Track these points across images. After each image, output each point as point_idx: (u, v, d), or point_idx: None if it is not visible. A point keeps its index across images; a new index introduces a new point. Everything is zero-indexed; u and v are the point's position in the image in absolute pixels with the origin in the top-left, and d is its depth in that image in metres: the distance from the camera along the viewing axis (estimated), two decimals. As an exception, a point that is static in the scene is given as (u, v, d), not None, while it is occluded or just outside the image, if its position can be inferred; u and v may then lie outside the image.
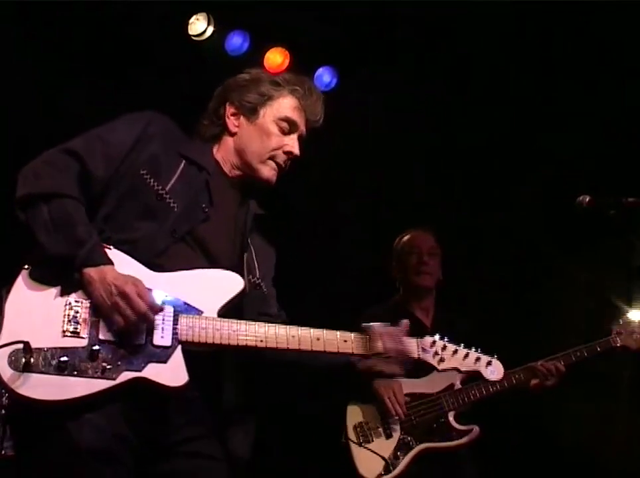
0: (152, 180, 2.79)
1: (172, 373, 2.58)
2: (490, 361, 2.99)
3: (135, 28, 5.44)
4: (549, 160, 6.21)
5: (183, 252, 2.79)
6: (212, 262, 2.84)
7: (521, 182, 6.29)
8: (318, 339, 2.80)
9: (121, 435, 2.55)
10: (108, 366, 2.51)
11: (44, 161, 2.72)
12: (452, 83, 6.18)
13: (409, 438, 4.44)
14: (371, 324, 2.89)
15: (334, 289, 6.06)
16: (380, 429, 4.45)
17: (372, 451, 4.38)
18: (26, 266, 2.61)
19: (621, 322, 4.60)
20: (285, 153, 3.02)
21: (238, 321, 2.73)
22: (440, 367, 2.93)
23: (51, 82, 5.46)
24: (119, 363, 2.53)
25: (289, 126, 3.03)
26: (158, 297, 2.65)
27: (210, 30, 5.76)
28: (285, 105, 3.04)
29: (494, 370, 2.99)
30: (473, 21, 5.84)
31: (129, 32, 5.45)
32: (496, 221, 6.28)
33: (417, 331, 4.57)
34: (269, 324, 2.78)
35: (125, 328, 2.54)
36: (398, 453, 4.40)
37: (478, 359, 2.97)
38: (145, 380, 2.54)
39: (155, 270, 2.71)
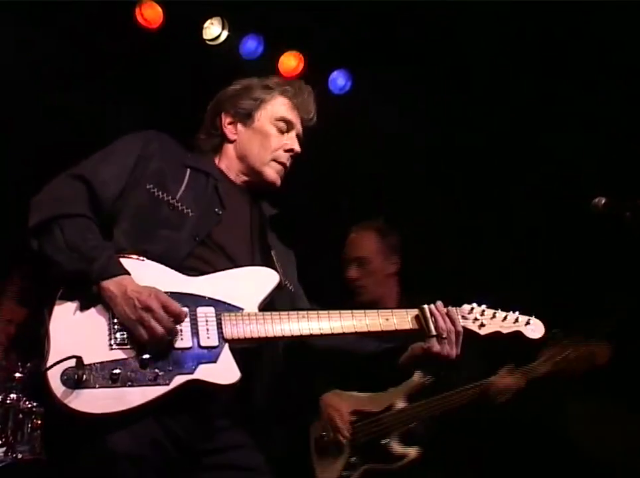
0: (160, 193, 2.82)
1: (223, 371, 2.60)
2: (529, 320, 2.98)
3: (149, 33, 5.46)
4: (549, 160, 6.21)
5: (206, 255, 2.81)
6: (233, 264, 2.86)
7: (521, 181, 6.29)
8: (387, 319, 2.84)
9: (157, 441, 2.55)
10: (160, 373, 2.53)
11: (52, 188, 2.76)
12: (452, 83, 6.18)
13: (354, 458, 4.37)
14: (424, 305, 2.88)
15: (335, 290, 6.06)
16: (335, 443, 4.41)
17: (328, 464, 4.38)
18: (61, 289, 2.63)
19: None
20: (286, 151, 3.07)
21: (279, 313, 2.76)
22: (482, 332, 2.92)
23: (60, 85, 5.48)
24: (170, 368, 2.55)
25: (285, 125, 3.09)
26: (195, 301, 2.68)
27: (225, 34, 5.81)
28: (279, 105, 3.11)
29: (534, 328, 2.98)
30: (473, 21, 5.84)
31: (146, 36, 5.45)
32: (496, 221, 6.27)
33: None
34: (320, 312, 2.81)
35: (151, 341, 2.55)
36: (345, 473, 4.36)
37: (517, 320, 2.97)
38: (198, 381, 2.56)
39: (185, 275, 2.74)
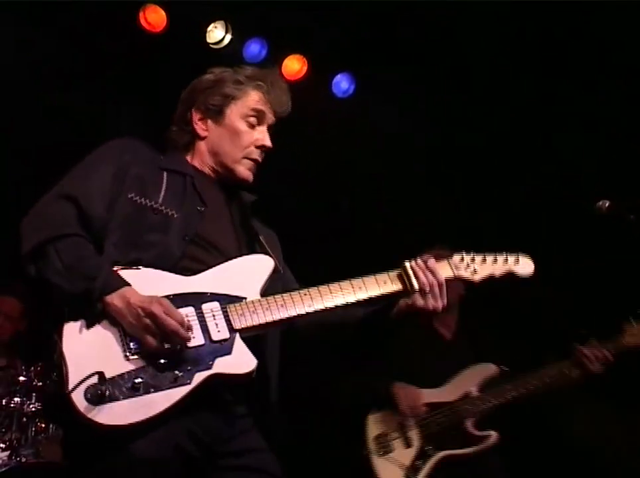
0: (143, 199, 2.81)
1: (240, 361, 2.63)
2: (518, 258, 3.01)
3: (152, 36, 5.45)
4: (549, 160, 6.22)
5: (198, 254, 2.81)
6: (223, 257, 2.85)
7: (521, 181, 6.29)
8: (360, 288, 2.83)
9: (179, 445, 2.56)
10: (180, 373, 2.55)
11: (41, 210, 2.74)
12: (452, 83, 6.18)
13: (428, 447, 4.44)
14: (405, 262, 2.88)
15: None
16: (400, 439, 4.46)
17: (393, 461, 4.39)
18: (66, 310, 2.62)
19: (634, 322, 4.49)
20: (258, 147, 3.05)
21: (281, 295, 2.78)
22: (477, 279, 2.94)
23: (60, 85, 5.45)
24: (189, 367, 2.57)
25: (256, 119, 3.06)
26: (199, 299, 2.69)
27: (228, 38, 5.81)
28: (250, 100, 3.07)
29: (524, 266, 3.01)
30: (473, 21, 5.84)
31: (146, 40, 5.44)
32: (496, 221, 6.28)
33: (438, 345, 4.74)
34: (310, 289, 2.81)
35: (159, 347, 2.55)
36: (418, 462, 4.40)
37: (506, 260, 3.00)
38: (218, 375, 2.59)
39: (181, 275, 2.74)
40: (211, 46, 5.77)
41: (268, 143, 3.06)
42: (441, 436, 4.46)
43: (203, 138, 3.07)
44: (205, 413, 2.64)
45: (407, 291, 2.87)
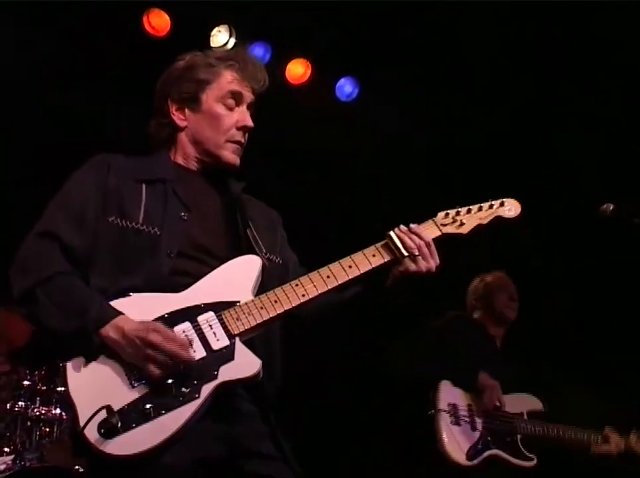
0: (123, 221, 2.75)
1: (244, 364, 2.62)
2: (503, 201, 2.99)
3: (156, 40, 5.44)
4: (549, 161, 6.24)
5: (187, 266, 2.76)
6: (217, 259, 2.81)
7: (521, 182, 6.29)
8: (350, 267, 2.79)
9: (198, 457, 2.56)
10: (187, 390, 2.54)
11: (24, 254, 2.71)
12: (452, 83, 6.19)
13: (489, 438, 4.66)
14: (389, 231, 2.83)
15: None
16: (468, 420, 4.65)
17: (458, 435, 4.58)
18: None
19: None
20: (239, 129, 2.96)
21: (273, 290, 2.75)
22: (465, 231, 2.89)
23: (61, 86, 5.42)
24: (195, 381, 2.56)
25: (234, 100, 2.97)
26: (193, 312, 2.67)
27: (232, 42, 5.78)
28: (224, 82, 2.98)
29: (510, 208, 2.99)
30: (473, 21, 5.85)
31: (150, 45, 5.43)
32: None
33: (491, 351, 5.01)
34: (301, 278, 2.78)
35: (163, 374, 2.53)
36: (480, 446, 4.62)
37: (491, 206, 2.97)
38: (225, 383, 2.58)
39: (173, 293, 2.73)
40: (215, 50, 5.73)
41: (249, 123, 2.97)
42: (499, 436, 4.69)
43: (183, 128, 2.98)
44: (219, 422, 2.62)
45: (397, 259, 2.81)
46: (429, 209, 5.91)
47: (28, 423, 4.65)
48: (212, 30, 5.74)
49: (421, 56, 6.07)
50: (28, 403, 4.66)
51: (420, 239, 2.79)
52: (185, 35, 5.56)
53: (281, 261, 2.99)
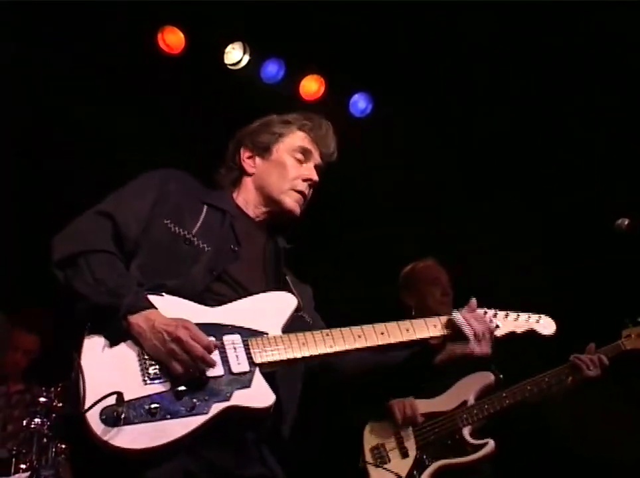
0: (177, 228, 2.83)
1: (259, 395, 2.61)
2: (540, 318, 3.04)
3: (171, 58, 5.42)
4: (549, 161, 6.26)
5: (222, 290, 2.81)
6: (248, 295, 2.84)
7: (521, 182, 6.33)
8: (407, 330, 2.87)
9: (190, 473, 2.54)
10: (197, 402, 2.52)
11: (79, 224, 2.78)
12: (452, 83, 6.19)
13: (424, 456, 4.42)
14: (454, 311, 2.91)
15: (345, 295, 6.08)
16: (396, 450, 4.44)
17: (389, 472, 4.36)
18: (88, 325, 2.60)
19: (631, 326, 4.55)
20: (304, 180, 3.05)
21: (303, 333, 2.78)
22: (498, 334, 2.95)
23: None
24: (207, 397, 2.54)
25: (303, 156, 3.09)
26: (220, 330, 2.68)
27: (246, 59, 5.81)
28: (297, 138, 3.12)
29: (545, 325, 3.03)
30: (474, 21, 5.84)
31: (165, 61, 5.40)
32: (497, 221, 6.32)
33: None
34: (332, 329, 2.82)
35: (184, 373, 2.53)
36: (415, 472, 4.38)
37: (528, 318, 3.03)
38: (236, 407, 2.56)
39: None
40: (229, 67, 5.80)
41: (315, 177, 3.07)
42: (437, 446, 4.43)
43: (250, 174, 3.10)
44: (218, 443, 2.60)
45: (454, 336, 2.90)
46: (446, 226, 5.93)
47: (44, 440, 4.65)
48: (226, 47, 5.77)
49: (436, 72, 6.11)
50: (45, 420, 4.66)
51: (484, 326, 2.89)
52: (199, 52, 5.59)
53: (310, 322, 3.02)
